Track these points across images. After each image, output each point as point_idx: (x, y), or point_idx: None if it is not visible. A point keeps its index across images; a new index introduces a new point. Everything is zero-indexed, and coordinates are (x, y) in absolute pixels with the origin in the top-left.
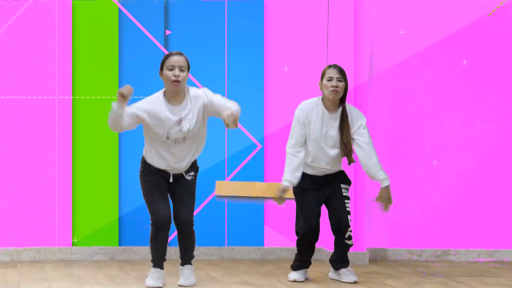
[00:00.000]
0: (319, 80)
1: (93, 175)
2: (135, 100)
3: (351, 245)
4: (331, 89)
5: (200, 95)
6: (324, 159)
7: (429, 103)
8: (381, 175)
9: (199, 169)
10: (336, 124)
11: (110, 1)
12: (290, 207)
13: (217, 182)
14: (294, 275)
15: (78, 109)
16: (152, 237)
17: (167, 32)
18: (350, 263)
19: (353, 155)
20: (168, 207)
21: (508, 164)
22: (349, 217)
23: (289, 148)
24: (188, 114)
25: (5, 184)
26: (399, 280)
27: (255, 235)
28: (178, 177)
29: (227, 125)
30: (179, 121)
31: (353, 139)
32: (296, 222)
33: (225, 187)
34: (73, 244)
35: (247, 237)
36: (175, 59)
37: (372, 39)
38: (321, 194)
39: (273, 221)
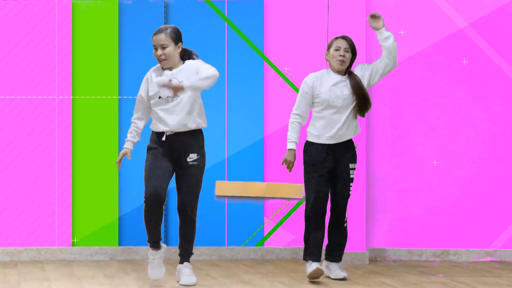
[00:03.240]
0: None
1: (93, 175)
2: (132, 100)
3: (346, 227)
4: (339, 58)
5: (192, 64)
6: (336, 125)
7: (429, 103)
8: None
9: (205, 156)
10: (346, 83)
11: (110, 1)
12: (290, 206)
13: (217, 182)
14: (314, 266)
15: (78, 109)
16: (144, 213)
17: None
18: (349, 262)
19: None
20: (163, 185)
21: (508, 164)
22: (347, 201)
23: (293, 113)
24: (179, 73)
25: (5, 184)
26: (399, 280)
27: (255, 235)
28: (180, 158)
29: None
30: (169, 81)
31: (374, 71)
32: (306, 203)
33: (225, 187)
34: (73, 244)
35: (247, 237)
36: (155, 39)
37: (372, 39)
38: (330, 168)
39: (273, 221)
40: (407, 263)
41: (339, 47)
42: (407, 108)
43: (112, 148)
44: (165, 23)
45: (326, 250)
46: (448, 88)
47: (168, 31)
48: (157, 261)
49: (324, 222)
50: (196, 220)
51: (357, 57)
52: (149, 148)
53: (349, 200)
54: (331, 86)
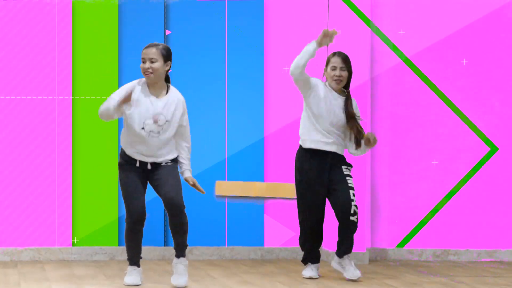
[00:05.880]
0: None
1: (93, 175)
2: None
3: (357, 221)
4: (335, 78)
5: (180, 97)
6: (330, 119)
7: (429, 103)
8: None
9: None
10: (340, 104)
11: (110, 1)
12: (290, 206)
13: (217, 182)
14: (309, 272)
15: (78, 109)
16: (126, 233)
17: (167, 32)
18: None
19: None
20: (143, 203)
21: (509, 164)
22: (351, 192)
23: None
24: (166, 107)
25: (5, 184)
26: (399, 280)
27: (255, 235)
28: (156, 164)
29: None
30: (155, 118)
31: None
32: (299, 217)
33: (225, 187)
34: (73, 244)
35: (247, 237)
36: (145, 52)
37: (372, 39)
38: (325, 183)
39: (273, 221)
40: (407, 263)
41: (335, 67)
42: (407, 108)
43: (112, 148)
44: (165, 23)
45: (337, 246)
46: (448, 88)
47: (160, 47)
48: (136, 272)
49: (319, 238)
50: (186, 213)
51: (358, 56)
52: (120, 165)
53: (354, 194)
54: (326, 99)
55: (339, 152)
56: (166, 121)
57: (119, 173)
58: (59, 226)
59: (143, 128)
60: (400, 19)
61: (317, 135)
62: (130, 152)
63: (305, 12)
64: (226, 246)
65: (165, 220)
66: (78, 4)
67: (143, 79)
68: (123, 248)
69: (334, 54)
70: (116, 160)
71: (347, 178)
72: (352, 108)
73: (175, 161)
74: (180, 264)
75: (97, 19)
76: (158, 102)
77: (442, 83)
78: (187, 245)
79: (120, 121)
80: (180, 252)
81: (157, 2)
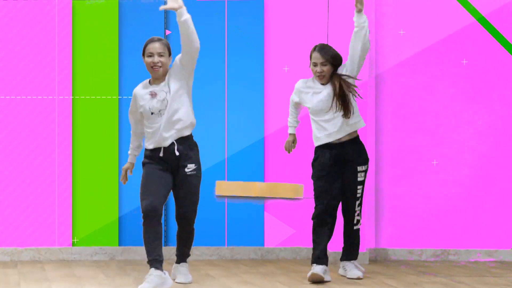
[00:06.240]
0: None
1: (93, 175)
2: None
3: (358, 229)
4: (317, 74)
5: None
6: (320, 107)
7: (429, 103)
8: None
9: (201, 166)
10: (327, 88)
11: (110, 1)
12: (290, 205)
13: (217, 182)
14: (314, 269)
15: (78, 109)
16: (143, 229)
17: (167, 32)
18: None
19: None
20: (159, 199)
21: (508, 164)
22: (357, 202)
23: (292, 100)
24: (160, 85)
25: (5, 184)
26: (399, 280)
27: (255, 235)
28: (178, 170)
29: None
30: (153, 94)
31: (351, 57)
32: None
33: (225, 187)
34: (73, 244)
35: (247, 237)
36: (153, 46)
37: (372, 39)
38: (338, 171)
39: (273, 218)
40: (407, 263)
41: (316, 63)
42: (407, 108)
43: (112, 148)
44: (165, 23)
45: (342, 251)
46: (448, 88)
47: (164, 41)
48: (154, 277)
49: (330, 230)
50: (194, 227)
51: None
52: (143, 164)
53: (360, 202)
54: (313, 92)
55: (350, 132)
56: (166, 92)
57: (142, 171)
58: (59, 226)
59: (152, 113)
60: (400, 19)
61: (318, 132)
62: (146, 140)
63: (305, 12)
64: (226, 246)
65: (165, 220)
66: (78, 4)
67: (140, 84)
68: (123, 248)
69: (314, 48)
70: (115, 159)
71: (358, 187)
72: (338, 83)
73: (196, 161)
74: (182, 267)
75: (97, 19)
76: (155, 87)
77: (442, 83)
78: (189, 255)
79: (120, 121)
80: (182, 259)
81: (157, 2)
